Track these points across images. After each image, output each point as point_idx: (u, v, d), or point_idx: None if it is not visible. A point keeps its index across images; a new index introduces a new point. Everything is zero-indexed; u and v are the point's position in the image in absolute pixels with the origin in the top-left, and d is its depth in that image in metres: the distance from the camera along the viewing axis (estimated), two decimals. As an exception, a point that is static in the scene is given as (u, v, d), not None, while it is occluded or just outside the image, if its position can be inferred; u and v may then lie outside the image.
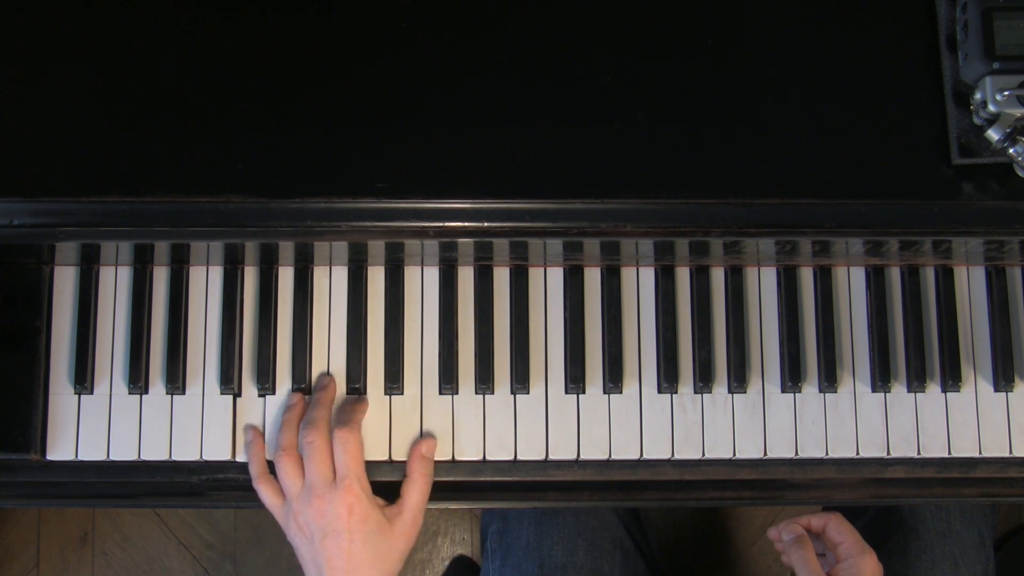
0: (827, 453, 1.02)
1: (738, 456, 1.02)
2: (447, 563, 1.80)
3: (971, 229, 0.92)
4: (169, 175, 0.90)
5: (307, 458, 0.95)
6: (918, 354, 1.03)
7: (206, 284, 1.02)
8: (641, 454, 1.01)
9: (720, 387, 1.03)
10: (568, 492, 1.02)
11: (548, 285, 1.03)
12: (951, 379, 1.02)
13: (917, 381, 1.02)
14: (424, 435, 1.01)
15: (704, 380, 1.02)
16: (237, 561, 1.80)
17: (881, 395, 1.03)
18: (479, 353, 1.02)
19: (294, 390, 1.01)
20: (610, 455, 1.01)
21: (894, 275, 1.05)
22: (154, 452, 1.00)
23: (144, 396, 1.01)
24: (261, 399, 1.01)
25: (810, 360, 1.03)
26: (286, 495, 0.96)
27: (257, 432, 1.00)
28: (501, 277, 1.03)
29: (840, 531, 1.04)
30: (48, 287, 1.01)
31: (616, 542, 1.16)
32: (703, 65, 0.93)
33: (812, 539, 1.07)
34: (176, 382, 1.00)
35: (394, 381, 1.01)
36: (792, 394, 1.03)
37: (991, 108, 0.87)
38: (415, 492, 0.98)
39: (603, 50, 0.93)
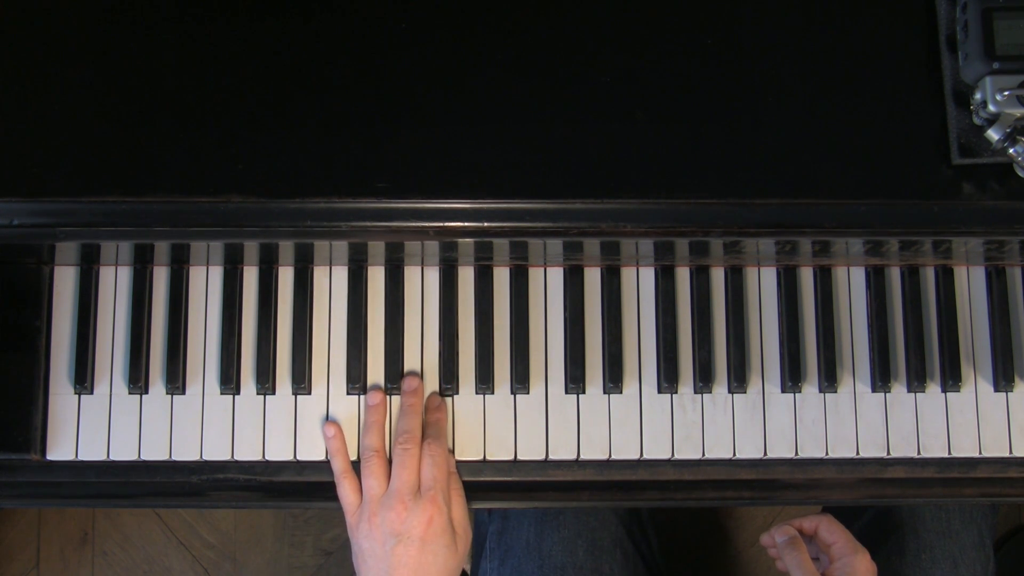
0: (827, 453, 1.02)
1: (738, 456, 1.02)
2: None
3: (971, 229, 0.92)
4: (169, 175, 0.90)
5: (399, 464, 0.96)
6: (918, 354, 1.03)
7: (206, 284, 1.02)
8: (641, 454, 1.01)
9: (720, 387, 1.03)
10: (568, 492, 1.02)
11: (548, 285, 1.03)
12: (951, 379, 1.02)
13: (917, 381, 1.02)
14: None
15: (704, 380, 1.02)
16: (237, 561, 1.80)
17: (881, 395, 1.03)
18: (479, 353, 1.02)
19: (294, 391, 1.01)
20: (610, 455, 1.01)
21: (894, 275, 1.05)
22: (154, 452, 1.00)
23: (144, 396, 1.01)
24: (261, 399, 1.01)
25: (810, 360, 1.03)
26: (365, 496, 0.97)
27: (339, 429, 1.00)
28: (501, 277, 1.03)
29: (832, 532, 1.05)
30: (48, 287, 1.01)
31: (616, 542, 1.16)
32: (703, 65, 0.93)
33: (805, 542, 1.07)
34: (176, 382, 1.00)
35: (394, 381, 1.01)
36: (792, 394, 1.03)
37: (991, 108, 0.87)
38: (457, 509, 0.99)
39: (603, 50, 0.93)
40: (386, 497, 0.96)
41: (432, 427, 1.00)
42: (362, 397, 1.01)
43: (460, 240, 0.95)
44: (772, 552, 1.09)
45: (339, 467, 0.99)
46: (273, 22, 0.93)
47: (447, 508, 0.96)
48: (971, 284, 1.05)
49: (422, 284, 1.03)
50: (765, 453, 1.02)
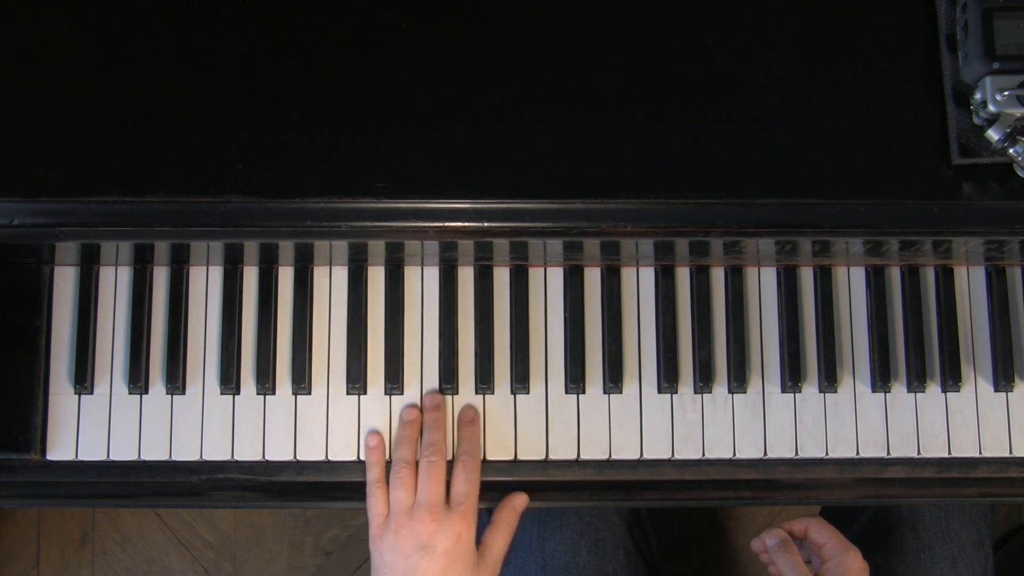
0: (827, 453, 1.02)
1: (738, 456, 1.02)
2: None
3: (971, 229, 0.92)
4: (169, 175, 0.90)
5: (426, 476, 0.96)
6: (918, 354, 1.03)
7: (206, 284, 1.02)
8: (641, 454, 1.01)
9: (720, 387, 1.03)
10: (568, 492, 1.02)
11: (548, 285, 1.03)
12: (951, 379, 1.02)
13: (917, 381, 1.02)
14: (517, 491, 1.01)
15: (704, 380, 1.02)
16: (237, 561, 1.80)
17: (881, 395, 1.03)
18: (479, 353, 1.02)
19: (294, 391, 1.01)
20: (610, 455, 1.01)
21: (894, 275, 1.05)
22: (154, 452, 1.00)
23: (144, 396, 1.01)
24: (261, 399, 1.01)
25: (810, 360, 1.03)
26: (393, 507, 0.96)
27: (381, 439, 1.00)
28: (501, 277, 1.03)
29: (822, 532, 1.04)
30: (48, 287, 1.01)
31: (619, 542, 1.16)
32: (703, 64, 0.93)
33: (796, 545, 1.07)
34: (176, 382, 1.00)
35: (394, 381, 1.01)
36: (792, 394, 1.03)
37: (991, 108, 0.87)
38: (500, 540, 0.99)
39: (603, 49, 0.93)
40: (415, 509, 0.95)
41: (465, 441, 1.00)
42: (362, 397, 1.01)
43: (460, 240, 0.95)
44: (764, 558, 1.08)
45: (374, 476, 0.99)
46: (273, 22, 0.93)
47: (475, 527, 0.96)
48: (971, 284, 1.05)
49: (422, 284, 1.03)
50: (765, 453, 1.02)
